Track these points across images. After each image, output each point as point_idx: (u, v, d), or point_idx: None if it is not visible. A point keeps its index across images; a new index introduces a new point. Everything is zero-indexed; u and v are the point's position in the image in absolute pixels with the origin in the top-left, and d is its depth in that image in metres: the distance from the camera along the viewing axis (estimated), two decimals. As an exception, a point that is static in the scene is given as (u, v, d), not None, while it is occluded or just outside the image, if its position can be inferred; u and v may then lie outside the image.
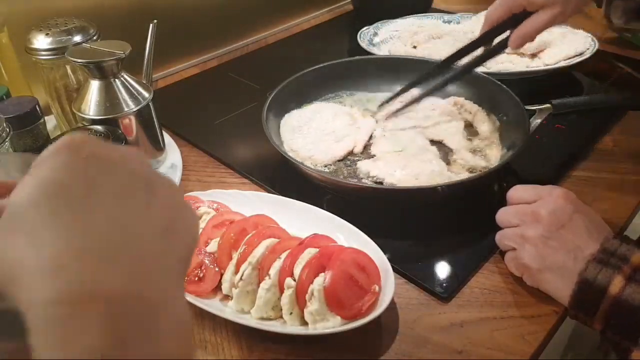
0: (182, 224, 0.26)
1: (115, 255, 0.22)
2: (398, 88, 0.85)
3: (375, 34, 1.05)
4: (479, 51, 0.72)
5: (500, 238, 0.56)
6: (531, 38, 0.67)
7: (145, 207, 0.24)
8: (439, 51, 0.95)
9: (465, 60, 0.73)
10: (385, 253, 0.54)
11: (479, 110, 0.78)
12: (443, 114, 0.78)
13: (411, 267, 0.57)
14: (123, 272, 0.22)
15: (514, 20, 0.66)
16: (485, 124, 0.76)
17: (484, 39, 0.71)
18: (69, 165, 0.24)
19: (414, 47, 0.99)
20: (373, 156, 0.71)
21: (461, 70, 0.74)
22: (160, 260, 0.24)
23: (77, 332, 0.20)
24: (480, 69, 0.87)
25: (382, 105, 0.79)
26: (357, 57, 0.90)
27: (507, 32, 0.69)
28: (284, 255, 0.52)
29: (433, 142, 0.74)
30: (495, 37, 0.71)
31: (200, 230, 0.58)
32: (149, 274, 0.23)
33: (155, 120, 0.71)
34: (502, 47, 0.70)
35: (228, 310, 0.52)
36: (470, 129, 0.78)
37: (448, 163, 0.70)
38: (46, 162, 0.24)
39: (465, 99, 0.82)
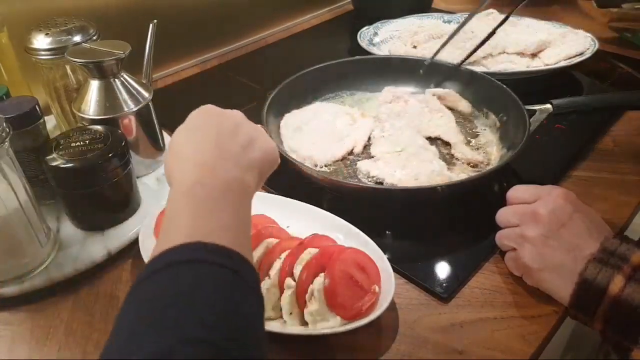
0: (257, 144, 0.45)
1: (224, 156, 0.42)
2: (398, 88, 0.85)
3: (375, 33, 1.05)
4: None
5: (500, 238, 0.56)
6: None
7: (234, 134, 0.44)
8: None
9: None
10: (385, 253, 0.54)
11: (449, 93, 0.82)
12: (433, 110, 0.78)
13: (411, 267, 0.57)
14: (229, 165, 0.41)
15: None
16: (462, 102, 0.81)
17: None
18: (198, 115, 0.46)
19: (414, 47, 0.99)
20: (373, 156, 0.71)
21: None
22: (243, 159, 0.43)
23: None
24: (480, 69, 0.87)
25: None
26: (357, 57, 0.90)
27: None
28: (283, 256, 0.52)
29: (431, 139, 0.74)
30: None
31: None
32: (241, 167, 0.42)
33: (155, 120, 0.71)
34: None
35: (228, 311, 0.51)
36: (467, 128, 0.78)
37: (448, 162, 0.70)
38: (189, 117, 0.46)
39: (466, 98, 0.82)
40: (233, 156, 0.42)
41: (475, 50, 0.86)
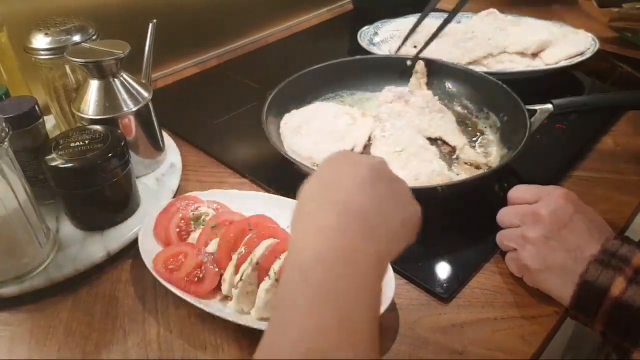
0: (404, 208, 0.40)
1: (376, 225, 0.35)
2: (398, 88, 0.85)
3: (375, 33, 1.05)
4: None
5: (501, 238, 0.56)
6: None
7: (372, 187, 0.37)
8: (438, 51, 0.94)
9: None
10: (385, 253, 0.53)
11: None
12: (433, 110, 0.78)
13: (411, 268, 0.57)
14: (382, 239, 0.35)
15: None
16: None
17: None
18: (331, 163, 0.38)
19: (414, 47, 0.99)
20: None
21: None
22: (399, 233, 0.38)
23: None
24: (480, 69, 0.87)
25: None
26: (357, 57, 0.90)
27: None
28: (283, 256, 0.52)
29: (431, 140, 0.74)
30: None
31: (200, 231, 0.58)
32: (395, 241, 0.37)
33: (154, 120, 0.71)
34: None
35: (228, 311, 0.52)
36: (465, 126, 0.78)
37: (448, 162, 0.70)
38: (324, 165, 0.38)
39: (465, 98, 0.82)
40: (369, 224, 0.35)
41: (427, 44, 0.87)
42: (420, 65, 0.85)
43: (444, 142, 0.74)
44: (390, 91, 0.82)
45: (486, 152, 0.73)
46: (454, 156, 0.71)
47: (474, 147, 0.74)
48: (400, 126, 0.74)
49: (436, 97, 0.82)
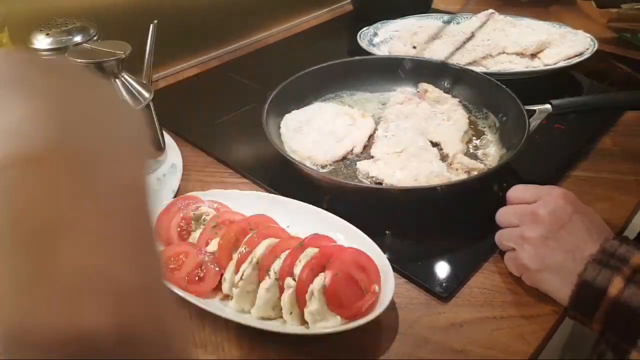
0: None
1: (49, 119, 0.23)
2: (398, 88, 0.85)
3: (375, 34, 1.06)
4: None
5: (500, 238, 0.57)
6: None
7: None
8: (438, 51, 0.95)
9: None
10: (385, 253, 0.54)
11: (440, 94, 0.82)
12: (444, 114, 0.78)
13: (411, 267, 0.57)
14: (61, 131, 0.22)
15: None
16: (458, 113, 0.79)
17: None
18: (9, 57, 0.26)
19: (414, 47, 1.00)
20: (372, 157, 0.71)
21: None
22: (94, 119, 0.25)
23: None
24: (479, 69, 0.87)
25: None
26: (357, 57, 0.90)
27: None
28: (284, 255, 0.52)
29: (433, 143, 0.74)
30: None
31: (201, 231, 0.58)
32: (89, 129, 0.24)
33: (155, 120, 0.71)
34: None
35: (228, 310, 0.52)
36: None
37: (448, 164, 0.70)
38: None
39: (465, 99, 0.82)
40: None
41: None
42: (422, 87, 0.85)
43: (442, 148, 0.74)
44: (402, 92, 0.82)
45: (485, 154, 0.73)
46: (449, 162, 0.71)
47: (473, 151, 0.73)
48: (405, 127, 0.74)
49: (456, 103, 0.81)
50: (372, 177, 0.67)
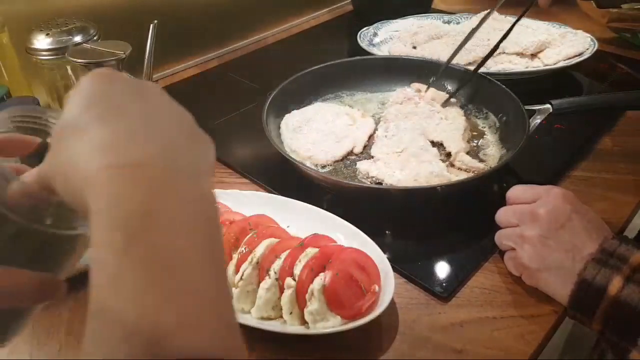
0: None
1: (147, 137, 0.27)
2: (398, 88, 0.85)
3: (375, 34, 1.06)
4: None
5: (500, 238, 0.57)
6: None
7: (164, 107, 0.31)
8: (438, 51, 0.95)
9: None
10: (385, 253, 0.54)
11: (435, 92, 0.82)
12: (440, 113, 0.78)
13: (411, 267, 0.57)
14: (156, 147, 0.27)
15: None
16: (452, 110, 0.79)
17: None
18: (103, 81, 0.30)
19: (414, 47, 1.00)
20: (372, 157, 0.71)
21: None
22: (178, 140, 0.29)
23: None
24: (480, 69, 0.87)
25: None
26: (357, 57, 0.90)
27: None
28: (284, 255, 0.52)
29: (434, 143, 0.74)
30: None
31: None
32: (174, 150, 0.28)
33: (155, 120, 0.71)
34: None
35: (228, 310, 0.52)
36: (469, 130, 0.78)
37: (448, 164, 0.70)
38: (85, 83, 0.30)
39: (464, 99, 0.82)
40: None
41: (490, 55, 0.83)
42: (415, 87, 0.85)
43: (444, 147, 0.74)
44: (402, 92, 0.82)
45: (485, 154, 0.73)
46: (451, 160, 0.71)
47: (473, 151, 0.74)
48: (405, 127, 0.74)
49: (457, 104, 0.81)
50: (372, 177, 0.67)
